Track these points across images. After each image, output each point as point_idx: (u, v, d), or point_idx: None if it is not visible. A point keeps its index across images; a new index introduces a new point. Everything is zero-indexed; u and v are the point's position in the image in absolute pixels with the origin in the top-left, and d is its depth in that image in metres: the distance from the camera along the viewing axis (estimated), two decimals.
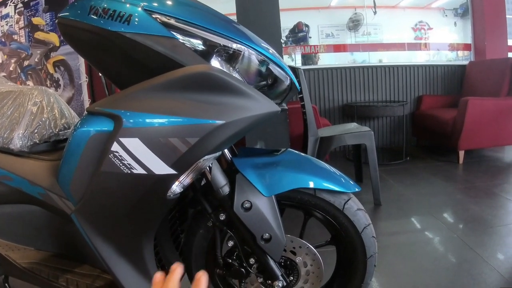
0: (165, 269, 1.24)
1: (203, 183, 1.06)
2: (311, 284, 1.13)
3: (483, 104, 3.59)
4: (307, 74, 4.33)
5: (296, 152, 1.14)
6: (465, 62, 4.57)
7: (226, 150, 1.03)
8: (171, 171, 0.83)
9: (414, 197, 2.82)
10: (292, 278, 1.12)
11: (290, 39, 4.54)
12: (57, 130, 1.47)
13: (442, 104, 4.40)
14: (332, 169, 1.10)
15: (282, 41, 4.38)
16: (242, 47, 0.92)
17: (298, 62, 4.59)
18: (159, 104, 0.82)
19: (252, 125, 0.84)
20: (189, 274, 1.20)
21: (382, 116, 4.44)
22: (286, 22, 4.46)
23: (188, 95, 0.82)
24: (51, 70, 4.36)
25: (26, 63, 4.42)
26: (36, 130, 1.34)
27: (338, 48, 4.56)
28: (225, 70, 0.88)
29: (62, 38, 4.25)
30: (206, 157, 0.84)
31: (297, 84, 1.07)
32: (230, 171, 1.01)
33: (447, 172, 3.46)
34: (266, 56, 0.96)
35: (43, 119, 1.37)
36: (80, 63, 4.23)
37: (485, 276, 1.64)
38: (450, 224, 2.29)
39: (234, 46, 0.91)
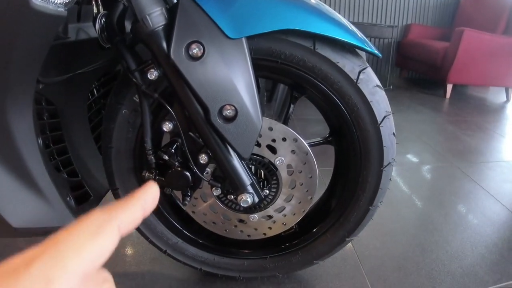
0: (77, 177, 0.82)
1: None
2: (297, 202, 0.74)
3: (479, 37, 3.25)
4: None
5: None
6: None
7: None
8: None
9: (404, 124, 2.52)
10: (267, 192, 0.73)
11: None
12: None
13: (432, 36, 4.00)
14: (340, 16, 0.67)
15: None
16: None
17: None
18: None
19: None
20: (111, 181, 0.78)
21: (367, 37, 3.99)
22: None
23: None
24: None
25: None
26: None
27: None
28: None
29: None
30: None
31: None
32: None
33: (434, 103, 3.16)
34: None
35: None
36: None
37: (497, 214, 1.37)
38: (447, 153, 2.00)
39: None
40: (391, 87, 3.64)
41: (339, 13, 0.64)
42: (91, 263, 0.19)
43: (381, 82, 0.71)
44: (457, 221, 1.30)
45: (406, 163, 1.84)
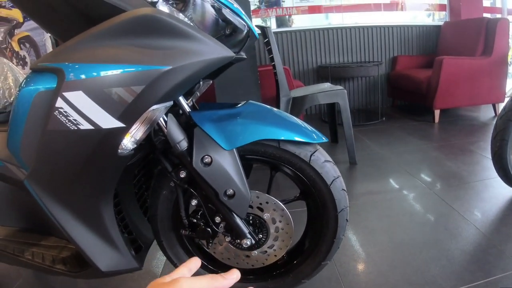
0: (132, 235, 1.20)
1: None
2: (281, 241, 1.10)
3: (457, 63, 3.57)
4: (280, 37, 4.24)
5: (258, 103, 1.07)
6: (440, 23, 4.53)
7: (185, 104, 0.96)
8: (118, 124, 0.77)
9: (390, 156, 2.82)
10: (261, 236, 1.09)
11: (263, 3, 4.40)
12: (12, 99, 1.39)
13: (418, 64, 4.38)
14: (296, 120, 1.05)
15: (255, 5, 4.27)
16: None
17: (273, 26, 4.48)
18: (101, 53, 0.75)
19: (202, 71, 0.78)
20: (157, 237, 1.16)
21: (357, 77, 4.40)
22: None
23: (131, 41, 0.75)
24: (16, 47, 4.14)
25: None
26: None
27: (313, 9, 4.45)
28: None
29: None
30: (155, 106, 0.78)
31: (255, 31, 1.00)
32: (188, 126, 0.95)
33: (423, 131, 3.46)
34: (220, 2, 0.89)
35: None
36: (45, 38, 4.02)
37: (461, 230, 1.66)
38: (426, 180, 2.30)
39: None
40: (384, 118, 3.98)
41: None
42: None
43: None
44: (425, 241, 1.60)
45: (387, 192, 2.16)
